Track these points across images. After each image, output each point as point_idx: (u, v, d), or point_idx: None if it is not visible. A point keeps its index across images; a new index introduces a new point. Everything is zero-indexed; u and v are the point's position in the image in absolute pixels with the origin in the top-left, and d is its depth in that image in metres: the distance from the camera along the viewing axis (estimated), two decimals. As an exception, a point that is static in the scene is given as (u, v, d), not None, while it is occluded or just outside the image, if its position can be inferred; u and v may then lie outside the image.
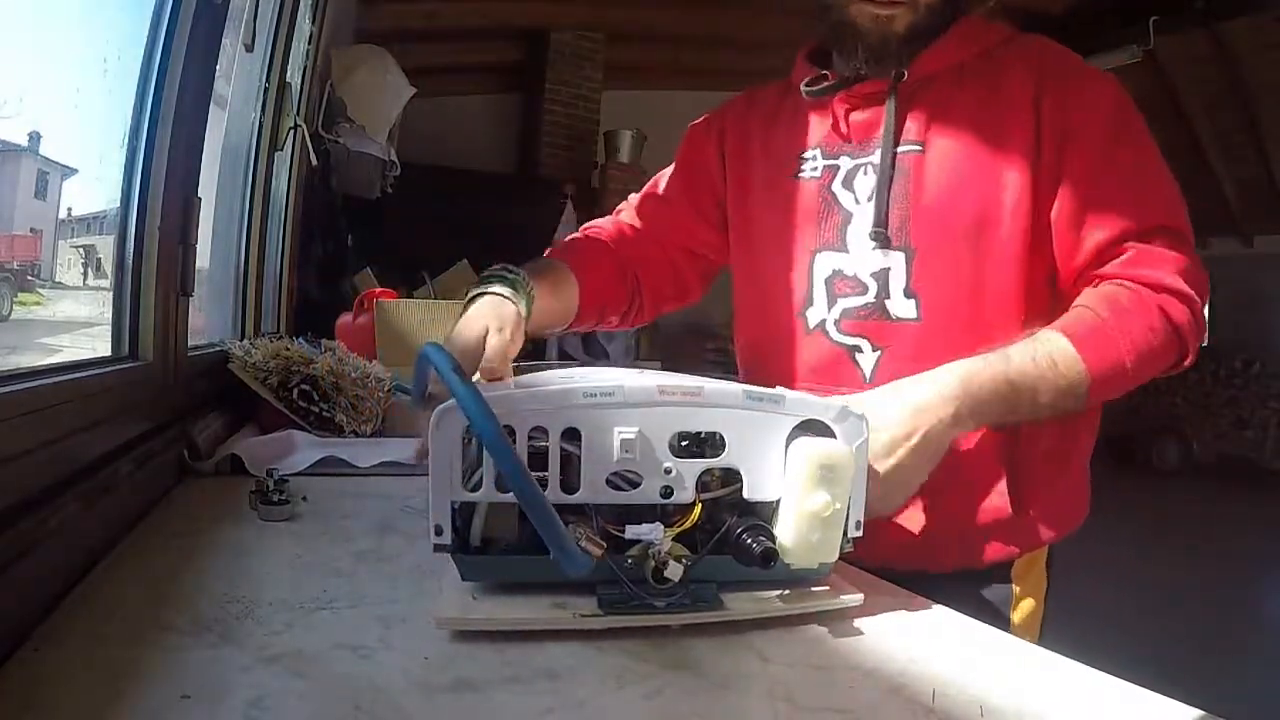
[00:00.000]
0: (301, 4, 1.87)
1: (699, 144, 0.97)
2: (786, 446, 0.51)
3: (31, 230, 1.14)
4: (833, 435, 0.52)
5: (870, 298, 0.78)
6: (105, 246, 0.97)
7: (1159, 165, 0.75)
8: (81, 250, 1.17)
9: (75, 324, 1.11)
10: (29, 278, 1.13)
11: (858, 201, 0.79)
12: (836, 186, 0.81)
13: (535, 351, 3.85)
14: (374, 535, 0.68)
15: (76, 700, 0.38)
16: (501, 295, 0.73)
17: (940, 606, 0.57)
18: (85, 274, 1.18)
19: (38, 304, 1.13)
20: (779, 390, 0.52)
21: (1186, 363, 0.73)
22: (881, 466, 0.61)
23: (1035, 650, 0.51)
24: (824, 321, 0.81)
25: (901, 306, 0.77)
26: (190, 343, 1.00)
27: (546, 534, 0.43)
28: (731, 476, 0.51)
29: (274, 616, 0.49)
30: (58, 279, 1.15)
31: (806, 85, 0.83)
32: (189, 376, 0.98)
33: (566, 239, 0.98)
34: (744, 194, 0.90)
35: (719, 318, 4.66)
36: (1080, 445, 0.81)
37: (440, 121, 4.08)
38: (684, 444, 0.50)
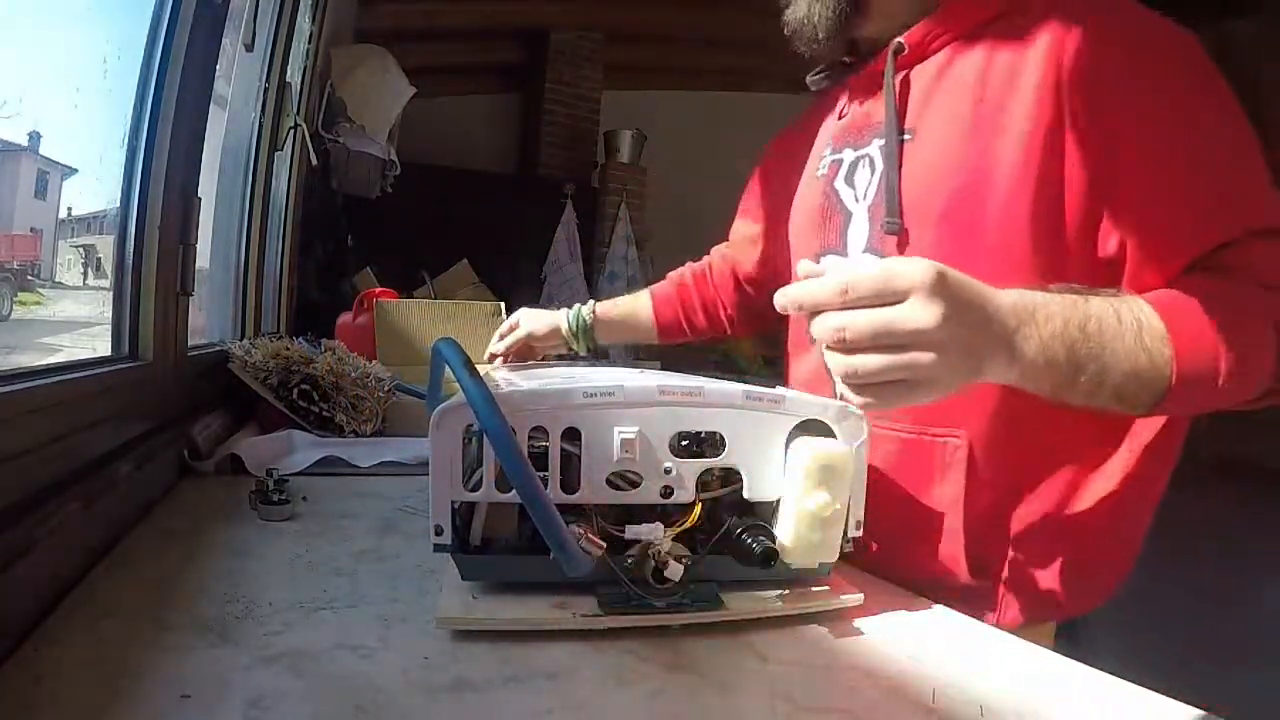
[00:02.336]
0: (301, 4, 1.87)
1: (760, 163, 0.99)
2: (786, 446, 0.51)
3: (31, 230, 1.14)
4: (833, 435, 0.52)
5: None
6: (105, 246, 0.97)
7: (1250, 140, 0.57)
8: (81, 250, 1.17)
9: (75, 324, 1.11)
10: (29, 278, 1.13)
11: (857, 199, 0.73)
12: (839, 183, 0.75)
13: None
14: (374, 535, 0.68)
15: (76, 700, 0.38)
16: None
17: (940, 606, 0.57)
18: (85, 274, 1.18)
19: (38, 304, 1.13)
20: (779, 390, 0.52)
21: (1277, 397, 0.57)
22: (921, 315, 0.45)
23: (1035, 650, 0.51)
24: None
25: None
26: (190, 343, 1.00)
27: (548, 534, 0.43)
28: (731, 476, 0.51)
29: (274, 616, 0.49)
30: (58, 279, 1.15)
31: (811, 76, 0.81)
32: (189, 376, 0.98)
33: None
34: (787, 200, 0.86)
35: (719, 318, 4.65)
36: (1131, 510, 0.65)
37: (440, 121, 4.08)
38: (684, 444, 0.50)
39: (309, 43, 2.05)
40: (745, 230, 1.02)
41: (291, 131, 1.82)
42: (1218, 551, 4.18)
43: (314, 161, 2.04)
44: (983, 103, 0.63)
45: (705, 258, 1.11)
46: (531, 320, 1.11)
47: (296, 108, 1.88)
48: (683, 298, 1.11)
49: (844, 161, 0.75)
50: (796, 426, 0.52)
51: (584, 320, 1.08)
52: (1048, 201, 0.59)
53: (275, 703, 0.39)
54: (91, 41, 0.98)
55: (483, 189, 4.04)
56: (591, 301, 1.11)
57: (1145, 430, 0.62)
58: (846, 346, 0.47)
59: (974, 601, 0.61)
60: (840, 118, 0.78)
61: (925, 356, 0.46)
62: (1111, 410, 0.55)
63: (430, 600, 0.52)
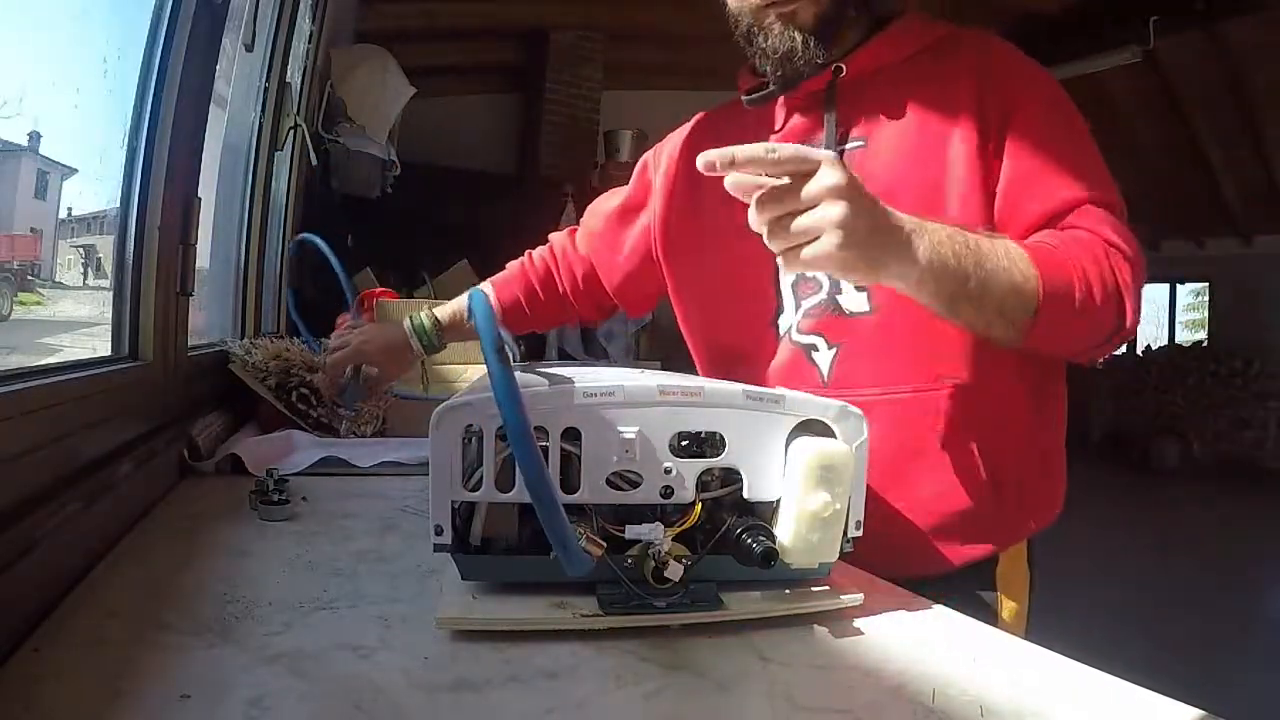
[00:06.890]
0: (301, 4, 1.87)
1: (641, 174, 0.98)
2: (786, 446, 0.51)
3: (31, 230, 1.14)
4: (833, 435, 0.52)
5: (824, 295, 0.78)
6: (105, 246, 0.97)
7: (1096, 153, 0.75)
8: (81, 250, 1.17)
9: (75, 324, 1.11)
10: (29, 278, 1.13)
11: None
12: None
13: (535, 351, 3.86)
14: (374, 535, 0.68)
15: (76, 700, 0.38)
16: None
17: (940, 606, 0.57)
18: (85, 274, 1.18)
19: (38, 304, 1.13)
20: (779, 390, 0.52)
21: (1124, 329, 0.69)
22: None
23: (1035, 650, 0.51)
24: (791, 326, 0.80)
25: (854, 300, 0.76)
26: (190, 343, 1.00)
27: (552, 531, 0.43)
28: (731, 476, 0.51)
29: (274, 616, 0.49)
30: (58, 279, 1.16)
31: (747, 95, 0.85)
32: (189, 376, 0.98)
33: (512, 265, 1.09)
34: (694, 212, 0.88)
35: (719, 318, 4.65)
36: (1052, 435, 0.80)
37: (440, 121, 4.07)
38: (684, 444, 0.50)
39: (309, 43, 2.05)
40: (619, 243, 0.98)
41: (291, 131, 1.83)
42: (1220, 552, 4.18)
43: (314, 161, 2.04)
44: (928, 116, 0.75)
45: (554, 245, 1.07)
46: (368, 339, 0.98)
47: (296, 108, 1.88)
48: (525, 280, 1.05)
49: None
50: (796, 426, 0.52)
51: (424, 326, 0.97)
52: (989, 195, 0.73)
53: (275, 703, 0.39)
54: (91, 41, 0.99)
55: (483, 189, 4.05)
56: (425, 308, 1.01)
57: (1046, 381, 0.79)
58: (780, 207, 0.56)
59: (975, 537, 0.75)
60: (780, 130, 0.83)
61: (838, 205, 0.55)
62: (996, 328, 0.66)
63: (430, 600, 0.52)
